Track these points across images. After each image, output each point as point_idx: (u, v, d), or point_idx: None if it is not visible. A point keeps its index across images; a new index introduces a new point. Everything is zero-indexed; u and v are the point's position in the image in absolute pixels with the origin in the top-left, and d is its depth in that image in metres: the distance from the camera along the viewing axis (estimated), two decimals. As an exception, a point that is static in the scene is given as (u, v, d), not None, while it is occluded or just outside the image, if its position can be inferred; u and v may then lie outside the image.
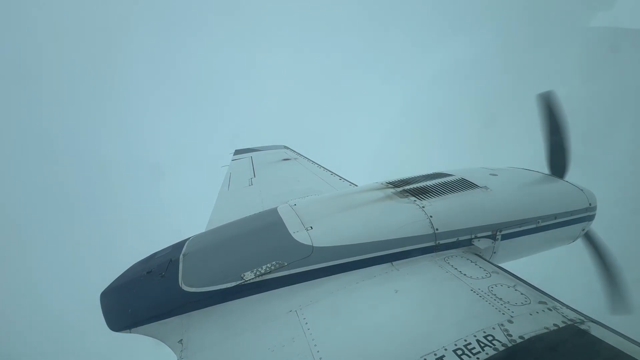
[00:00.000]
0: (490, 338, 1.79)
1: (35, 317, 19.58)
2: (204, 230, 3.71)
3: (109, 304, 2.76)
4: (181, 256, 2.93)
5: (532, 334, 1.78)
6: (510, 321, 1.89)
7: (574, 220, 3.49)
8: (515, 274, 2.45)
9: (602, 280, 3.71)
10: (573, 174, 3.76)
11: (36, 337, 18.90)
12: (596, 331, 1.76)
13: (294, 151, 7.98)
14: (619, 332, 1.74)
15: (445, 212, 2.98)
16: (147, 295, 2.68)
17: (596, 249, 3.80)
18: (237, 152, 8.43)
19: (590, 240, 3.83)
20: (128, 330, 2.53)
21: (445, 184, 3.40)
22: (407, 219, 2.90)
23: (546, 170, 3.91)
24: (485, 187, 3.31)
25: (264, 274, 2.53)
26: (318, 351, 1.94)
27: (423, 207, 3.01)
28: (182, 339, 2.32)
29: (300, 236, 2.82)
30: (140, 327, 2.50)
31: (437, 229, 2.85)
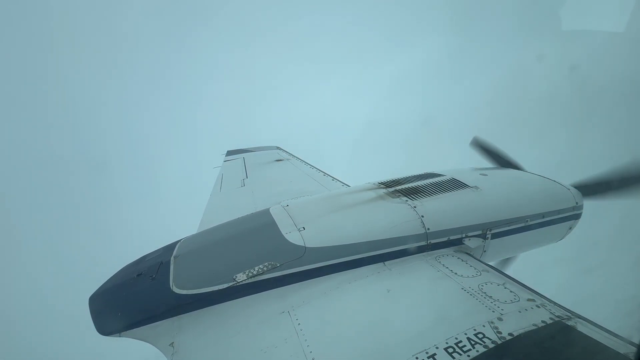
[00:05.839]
0: (480, 335, 1.82)
1: (19, 320, 19.04)
2: (195, 232, 3.68)
3: (98, 307, 2.70)
4: (172, 258, 2.89)
5: (521, 331, 1.82)
6: (500, 319, 1.93)
7: (561, 219, 3.57)
8: (504, 272, 2.50)
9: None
10: (559, 174, 3.85)
11: (21, 343, 18.39)
12: (582, 327, 1.81)
13: (287, 152, 7.95)
14: (604, 328, 1.80)
15: (437, 211, 3.02)
16: (137, 298, 2.64)
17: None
18: (229, 153, 8.36)
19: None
20: (118, 334, 2.49)
21: (436, 184, 3.45)
22: (399, 218, 2.92)
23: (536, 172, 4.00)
24: (476, 187, 3.36)
25: (256, 275, 2.52)
26: (311, 352, 1.94)
27: (415, 207, 3.04)
28: (173, 342, 2.29)
29: (293, 237, 2.81)
30: (131, 330, 2.46)
31: (428, 229, 2.88)
